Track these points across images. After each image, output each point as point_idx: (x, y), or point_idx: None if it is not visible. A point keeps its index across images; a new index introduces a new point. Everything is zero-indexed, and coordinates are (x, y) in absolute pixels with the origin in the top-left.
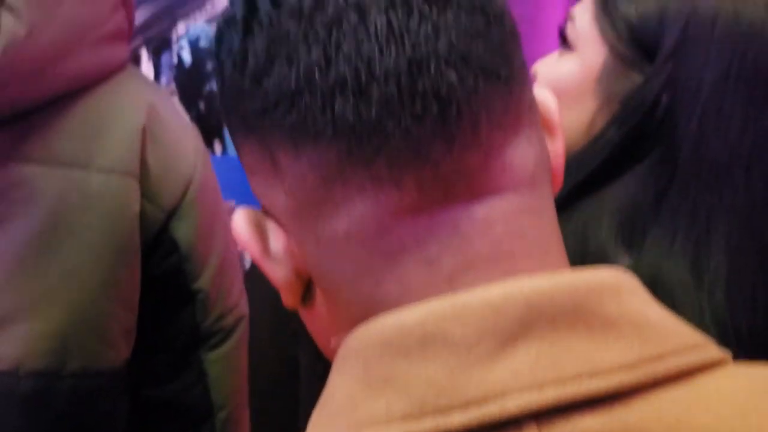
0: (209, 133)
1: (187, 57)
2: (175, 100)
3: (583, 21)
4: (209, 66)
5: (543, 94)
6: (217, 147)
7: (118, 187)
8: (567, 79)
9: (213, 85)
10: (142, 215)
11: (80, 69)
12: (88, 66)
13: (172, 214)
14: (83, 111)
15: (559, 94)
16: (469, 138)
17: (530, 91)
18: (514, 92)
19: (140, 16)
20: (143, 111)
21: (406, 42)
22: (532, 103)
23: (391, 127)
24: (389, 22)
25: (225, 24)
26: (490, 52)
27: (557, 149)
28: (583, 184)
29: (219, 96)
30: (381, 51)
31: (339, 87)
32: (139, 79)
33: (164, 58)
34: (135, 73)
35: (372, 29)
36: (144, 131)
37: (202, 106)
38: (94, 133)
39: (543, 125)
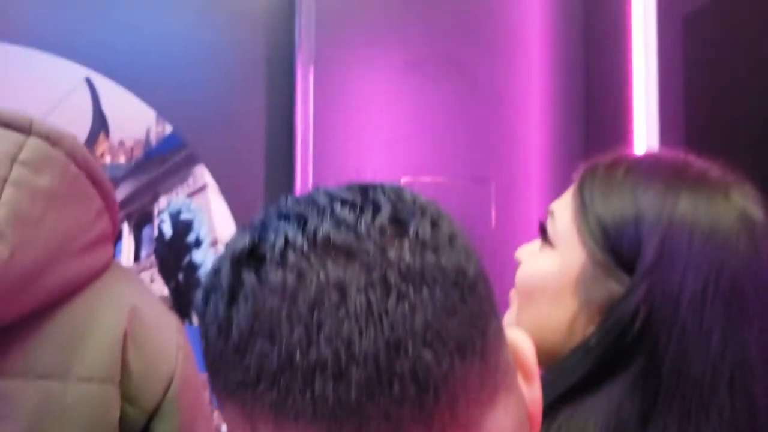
0: (187, 305)
1: (167, 230)
2: (155, 272)
3: (563, 220)
4: (189, 238)
5: (519, 339)
6: (195, 318)
7: (96, 396)
8: (547, 277)
9: (192, 257)
10: (123, 418)
11: (63, 280)
12: (71, 276)
13: (153, 414)
14: (64, 320)
15: (540, 289)
16: (447, 418)
17: (505, 352)
18: (490, 363)
19: (122, 191)
20: (125, 314)
21: (384, 322)
22: (507, 366)
23: (371, 409)
24: (368, 302)
25: (212, 287)
26: (465, 325)
27: (534, 396)
28: (565, 394)
29: (203, 355)
30: (360, 332)
31: (319, 368)
32: (122, 278)
33: (145, 232)
34: (118, 272)
35: (352, 309)
36: (125, 335)
37: (181, 277)
38: (74, 342)
39: (520, 371)
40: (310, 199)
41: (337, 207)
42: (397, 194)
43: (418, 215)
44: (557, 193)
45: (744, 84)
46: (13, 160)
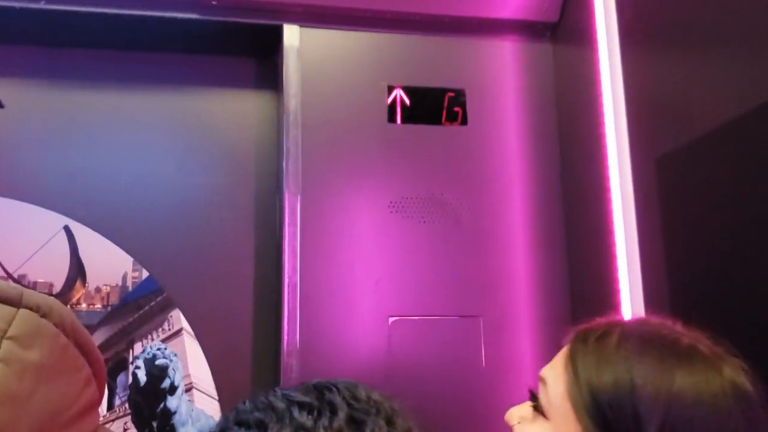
0: None
1: (142, 376)
2: (128, 420)
3: (556, 390)
4: (164, 384)
5: None
6: None
7: None
8: None
9: (167, 403)
10: None
11: None
12: None
13: None
14: None
15: None
16: None
17: None
18: None
19: (98, 338)
20: None
21: None
22: None
23: None
24: None
25: None
26: None
27: None
28: None
29: None
30: None
31: None
32: None
33: (120, 379)
34: None
35: None
36: None
37: (155, 425)
38: None
39: None
40: (269, 405)
41: (296, 412)
42: (352, 393)
43: (373, 414)
44: (545, 330)
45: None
46: (2, 335)
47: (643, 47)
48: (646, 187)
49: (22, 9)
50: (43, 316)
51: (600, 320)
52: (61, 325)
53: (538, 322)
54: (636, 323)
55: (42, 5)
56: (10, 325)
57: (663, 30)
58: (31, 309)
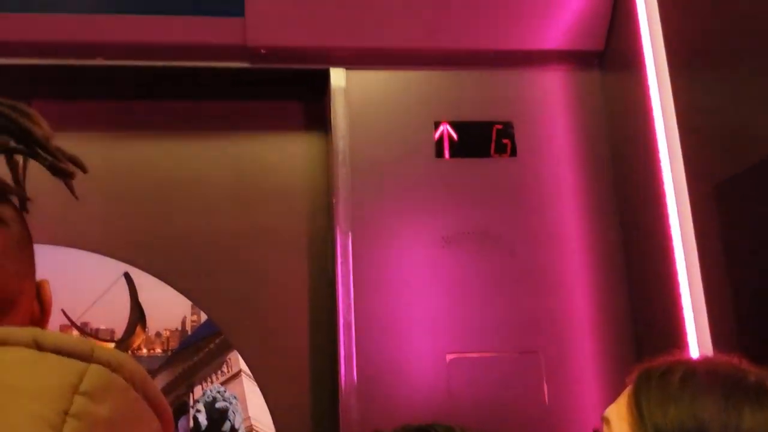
0: None
1: (202, 420)
2: None
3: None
4: (224, 427)
5: None
6: None
7: None
8: None
9: None
10: None
11: None
12: None
13: None
14: None
15: None
16: None
17: None
18: None
19: (158, 383)
20: None
21: None
22: None
23: None
24: None
25: None
26: None
27: None
28: None
29: None
30: None
31: None
32: None
33: (181, 423)
34: None
35: None
36: None
37: None
38: None
39: None
40: None
41: None
42: None
43: None
44: (608, 366)
45: None
46: (75, 390)
47: (692, 71)
48: (706, 216)
49: (81, 66)
50: (114, 370)
51: (664, 358)
52: (131, 380)
53: (601, 358)
54: (700, 361)
55: (99, 62)
56: (81, 380)
57: (713, 52)
58: (102, 364)
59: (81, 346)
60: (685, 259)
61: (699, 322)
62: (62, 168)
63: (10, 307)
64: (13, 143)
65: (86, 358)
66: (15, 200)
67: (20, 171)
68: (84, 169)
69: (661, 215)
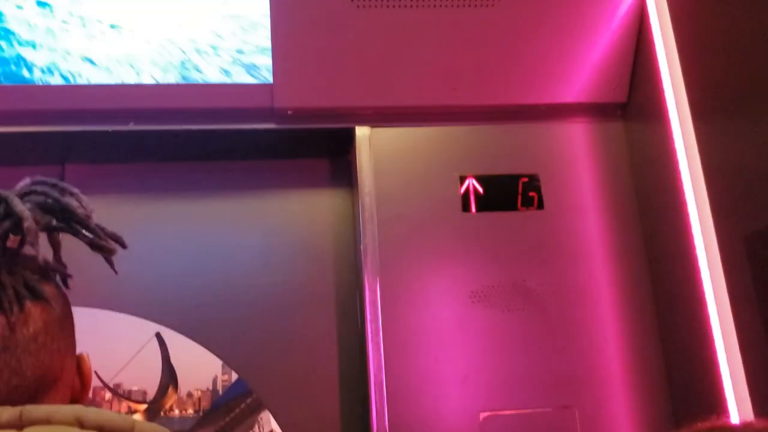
0: None
1: None
2: None
3: None
4: None
5: None
6: None
7: None
8: None
9: None
10: None
11: None
12: None
13: None
14: None
15: None
16: None
17: None
18: None
19: None
20: None
21: None
22: None
23: None
24: None
25: None
26: None
27: None
28: None
29: None
30: None
31: None
32: None
33: None
34: None
35: None
36: None
37: None
38: None
39: None
40: None
41: None
42: None
43: None
44: (645, 421)
45: None
46: None
47: (716, 120)
48: (738, 268)
49: (114, 132)
50: None
51: (702, 425)
52: None
53: (637, 414)
54: (741, 427)
55: (131, 127)
56: None
57: (736, 101)
58: None
59: (122, 423)
60: (719, 314)
61: (735, 377)
62: (102, 245)
63: (53, 384)
64: (55, 222)
65: None
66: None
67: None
68: (124, 245)
69: (692, 268)
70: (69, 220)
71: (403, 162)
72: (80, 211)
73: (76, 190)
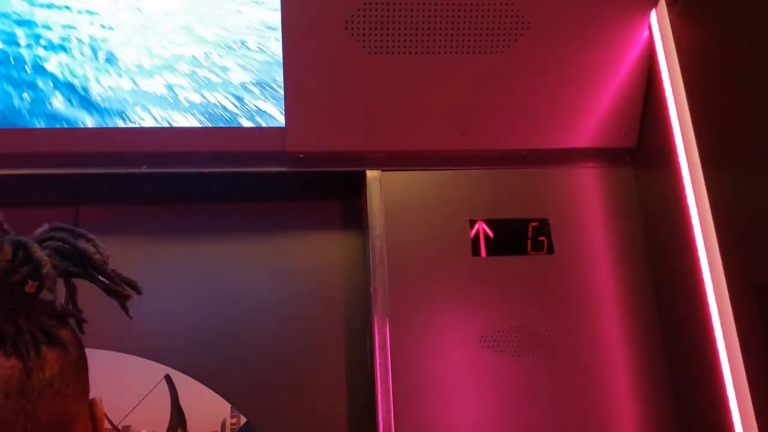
0: None
1: None
2: None
3: None
4: None
5: None
6: None
7: None
8: None
9: None
10: None
11: None
12: None
13: None
14: None
15: None
16: None
17: None
18: None
19: None
20: None
21: None
22: None
23: None
24: None
25: None
26: None
27: None
28: None
29: None
30: None
31: None
32: None
33: None
34: None
35: None
36: None
37: None
38: None
39: None
40: None
41: None
42: None
43: None
44: None
45: None
46: None
47: (726, 166)
48: (748, 315)
49: (127, 174)
50: None
51: None
52: None
53: None
54: None
55: (144, 170)
56: None
57: (746, 148)
58: None
59: None
60: (730, 365)
61: (747, 424)
62: (118, 291)
63: (67, 430)
64: (71, 267)
65: None
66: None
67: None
68: (139, 291)
69: (703, 316)
70: (86, 266)
71: (414, 205)
72: (97, 257)
73: (92, 236)
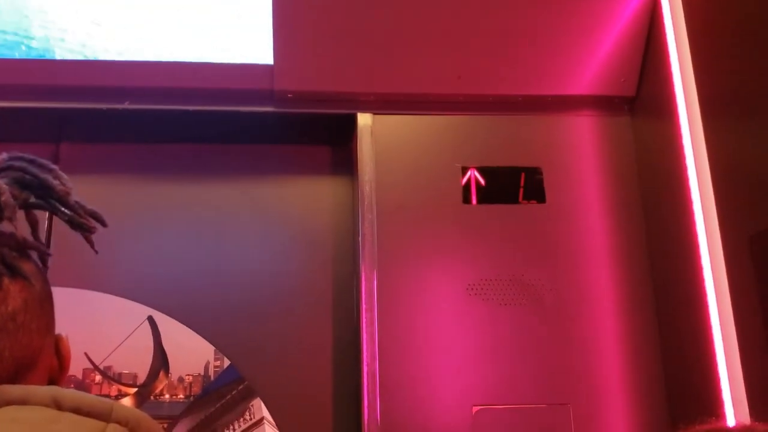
0: None
1: None
2: None
3: None
4: None
5: None
6: None
7: None
8: None
9: None
10: None
11: None
12: None
13: None
14: None
15: None
16: None
17: None
18: None
19: (180, 429)
20: None
21: None
22: None
23: None
24: None
25: None
26: None
27: None
28: None
29: None
30: None
31: None
32: None
33: None
34: None
35: None
36: None
37: None
38: None
39: None
40: None
41: None
42: None
43: None
44: (638, 419)
45: None
46: None
47: (726, 118)
48: (740, 267)
49: (109, 110)
50: (132, 430)
51: (699, 427)
52: None
53: (633, 413)
54: (738, 429)
55: (126, 106)
56: None
57: (746, 99)
58: (120, 423)
59: (100, 405)
60: (719, 314)
61: (734, 378)
62: (82, 223)
63: (31, 365)
64: (33, 199)
65: (105, 417)
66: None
67: (39, 226)
68: (104, 224)
69: (695, 266)
70: (48, 197)
71: (405, 151)
72: (59, 188)
73: (54, 167)
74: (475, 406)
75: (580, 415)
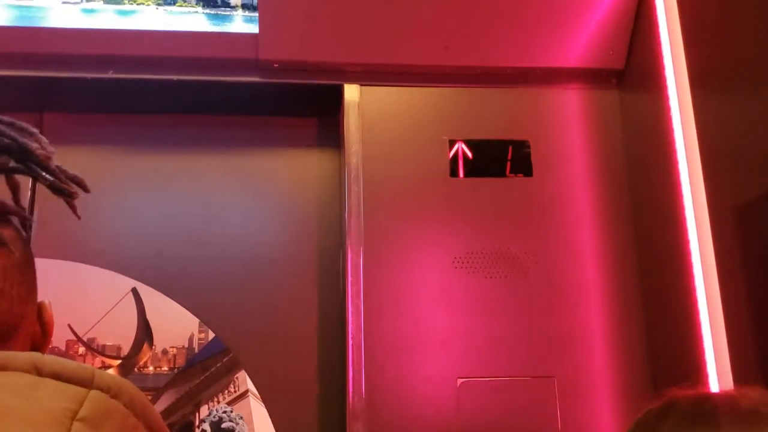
0: None
1: None
2: None
3: None
4: None
5: None
6: None
7: None
8: None
9: None
10: None
11: None
12: None
13: None
14: None
15: None
16: None
17: None
18: None
19: (164, 401)
20: None
21: None
22: None
23: None
24: None
25: None
26: None
27: None
28: None
29: None
30: None
31: None
32: None
33: None
34: None
35: None
36: None
37: None
38: None
39: None
40: None
41: None
42: None
43: None
44: (624, 391)
45: None
46: (73, 416)
47: (714, 91)
48: (727, 238)
49: (93, 79)
50: (114, 396)
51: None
52: (130, 406)
53: (617, 384)
54: (719, 395)
55: (111, 75)
56: (81, 406)
57: (735, 73)
58: (102, 390)
59: (81, 371)
60: (705, 283)
61: (718, 349)
62: (63, 188)
63: (12, 332)
64: (12, 163)
65: (86, 383)
66: (16, 221)
67: (20, 191)
68: (86, 189)
69: (681, 237)
70: (27, 161)
71: (392, 123)
72: (40, 152)
73: (35, 130)
74: (460, 378)
75: (565, 387)
